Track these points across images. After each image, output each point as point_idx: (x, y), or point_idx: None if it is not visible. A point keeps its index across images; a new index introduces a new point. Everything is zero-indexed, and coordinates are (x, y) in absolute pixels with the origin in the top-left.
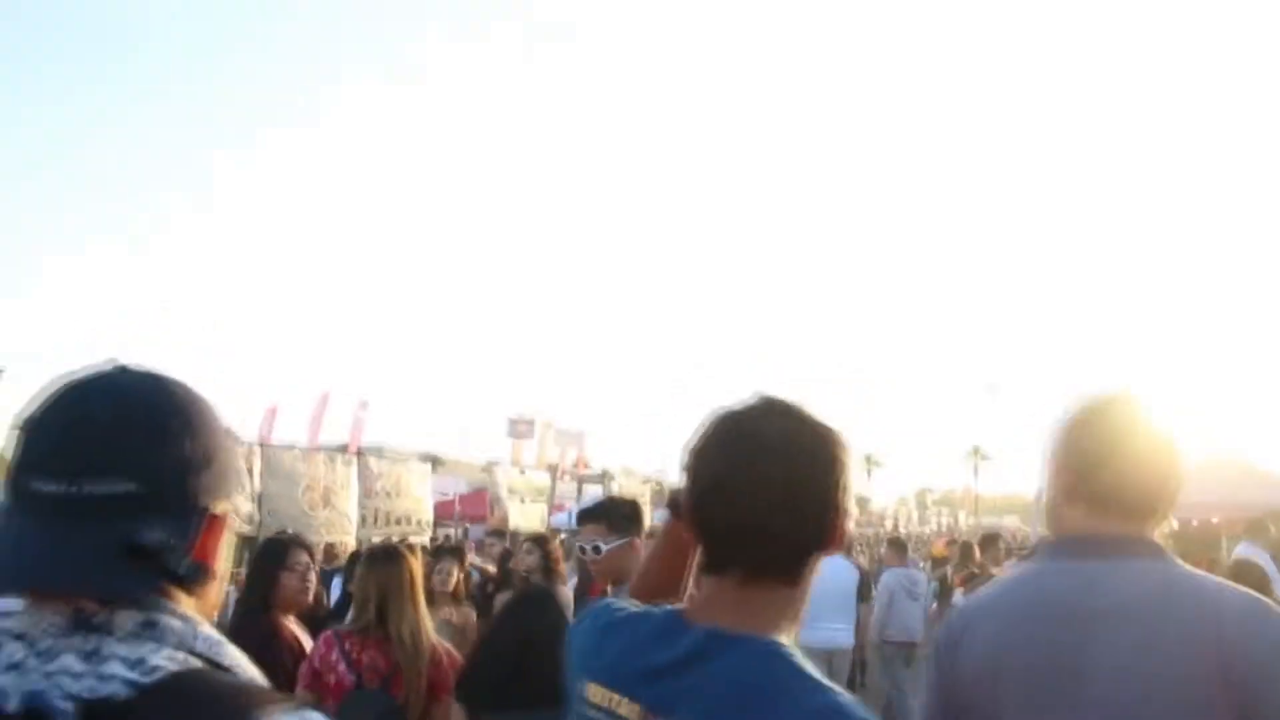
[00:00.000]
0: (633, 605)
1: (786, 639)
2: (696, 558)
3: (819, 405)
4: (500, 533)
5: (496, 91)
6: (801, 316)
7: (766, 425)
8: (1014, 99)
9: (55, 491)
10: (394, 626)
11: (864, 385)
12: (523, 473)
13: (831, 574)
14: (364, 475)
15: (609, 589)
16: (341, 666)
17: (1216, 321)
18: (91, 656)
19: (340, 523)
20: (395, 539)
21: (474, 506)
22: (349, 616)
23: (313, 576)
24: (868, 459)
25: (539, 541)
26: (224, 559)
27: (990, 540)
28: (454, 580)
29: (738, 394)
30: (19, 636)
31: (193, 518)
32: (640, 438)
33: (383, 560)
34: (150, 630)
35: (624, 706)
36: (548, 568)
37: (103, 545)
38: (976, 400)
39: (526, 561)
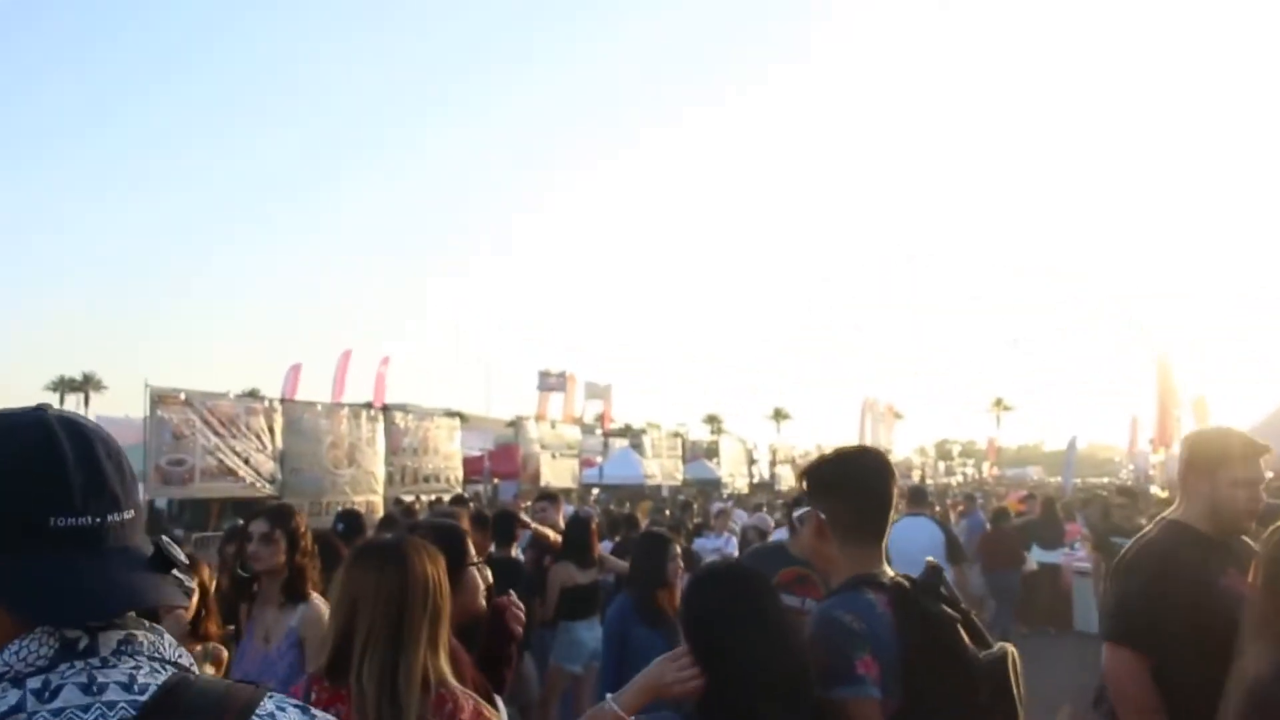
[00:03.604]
0: None
1: None
2: None
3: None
4: (552, 496)
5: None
6: (822, 273)
7: None
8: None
9: (87, 524)
10: (356, 671)
11: (888, 340)
12: (553, 426)
13: (911, 535)
14: (390, 432)
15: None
16: None
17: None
18: (89, 688)
19: (366, 481)
20: (425, 497)
21: (504, 463)
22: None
23: None
24: (890, 409)
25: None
26: None
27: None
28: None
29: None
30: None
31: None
32: (658, 392)
33: (363, 562)
34: (128, 646)
35: None
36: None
37: (148, 563)
38: (999, 353)
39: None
